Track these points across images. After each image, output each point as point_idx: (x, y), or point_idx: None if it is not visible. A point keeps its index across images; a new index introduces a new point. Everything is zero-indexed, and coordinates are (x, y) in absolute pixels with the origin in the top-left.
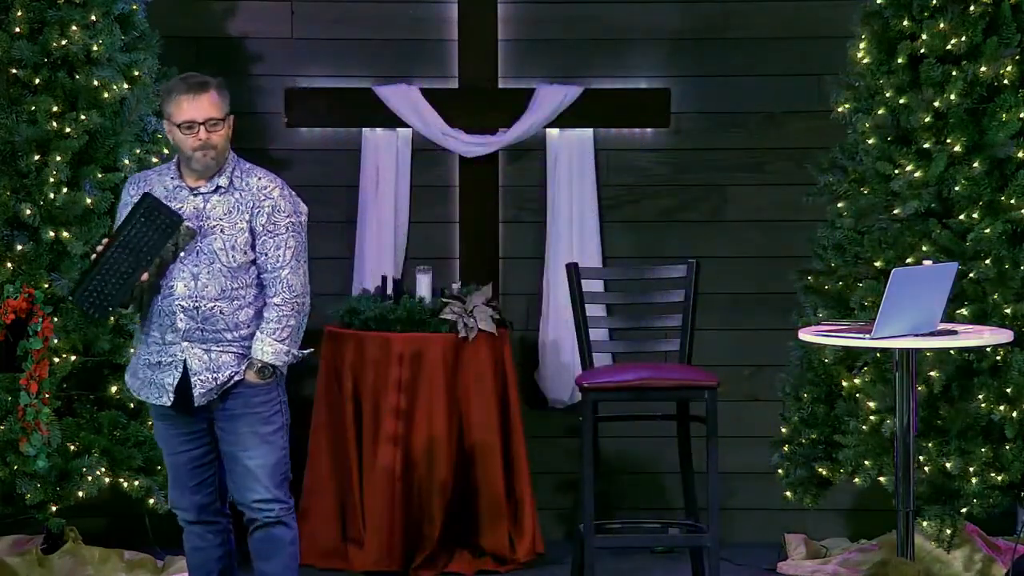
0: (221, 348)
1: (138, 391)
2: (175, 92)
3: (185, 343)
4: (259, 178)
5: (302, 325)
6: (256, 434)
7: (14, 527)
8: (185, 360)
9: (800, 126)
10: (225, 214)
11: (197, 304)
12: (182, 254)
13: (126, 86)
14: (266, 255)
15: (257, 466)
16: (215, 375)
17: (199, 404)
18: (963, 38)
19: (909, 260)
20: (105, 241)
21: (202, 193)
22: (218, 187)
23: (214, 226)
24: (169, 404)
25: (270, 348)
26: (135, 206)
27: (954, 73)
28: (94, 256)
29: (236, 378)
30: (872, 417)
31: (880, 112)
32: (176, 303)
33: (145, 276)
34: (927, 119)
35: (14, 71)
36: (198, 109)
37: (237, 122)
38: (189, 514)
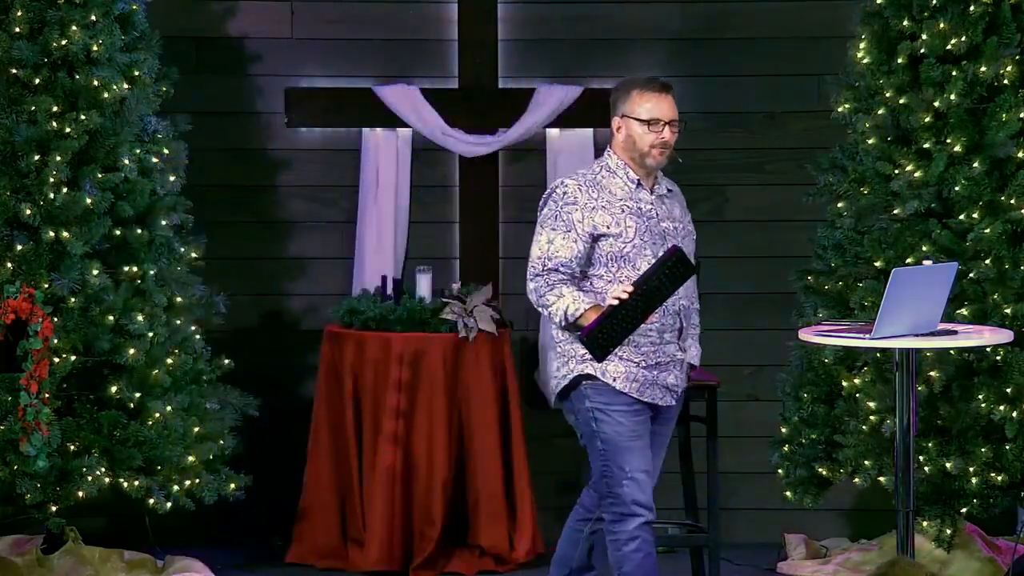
0: (685, 345)
1: (639, 392)
2: (641, 88)
3: (678, 343)
4: (669, 180)
5: None
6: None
7: (14, 527)
8: (681, 360)
9: (800, 126)
10: (682, 215)
11: (689, 303)
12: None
13: (126, 86)
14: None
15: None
16: (685, 370)
17: (673, 403)
18: (963, 38)
19: (909, 260)
20: (629, 290)
21: (660, 195)
22: (668, 189)
23: (682, 227)
24: (673, 404)
25: (698, 351)
26: (663, 259)
27: (954, 73)
28: (615, 302)
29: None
30: (872, 417)
31: (880, 112)
32: (680, 303)
33: (653, 318)
34: (927, 119)
35: (14, 71)
36: (666, 108)
37: (237, 122)
38: (651, 513)
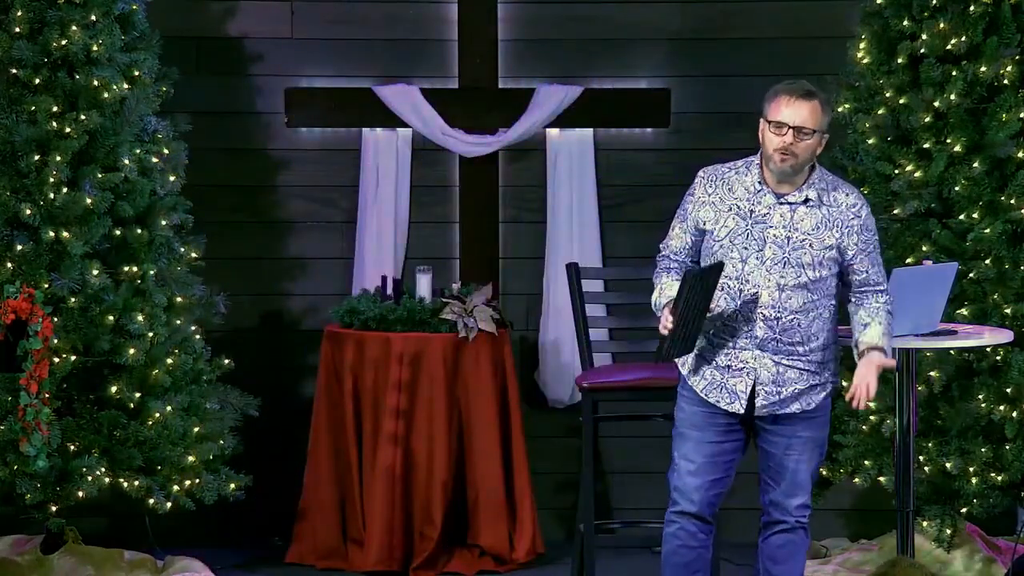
0: (790, 361)
1: (703, 391)
2: (780, 92)
3: (757, 351)
4: (847, 195)
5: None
6: (811, 439)
7: (14, 527)
8: (756, 369)
9: None
10: (813, 228)
11: (779, 315)
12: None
13: (126, 86)
14: (866, 273)
15: (805, 471)
16: (780, 388)
17: (758, 415)
18: (963, 38)
19: (909, 260)
20: (669, 325)
21: (790, 203)
22: (807, 199)
23: (803, 239)
24: (742, 412)
25: (887, 340)
26: (682, 283)
27: (954, 73)
28: (664, 332)
29: (801, 393)
30: (872, 417)
31: (880, 112)
32: (759, 311)
33: (716, 308)
34: (927, 119)
35: (14, 71)
36: (793, 113)
37: (237, 122)
38: (691, 504)
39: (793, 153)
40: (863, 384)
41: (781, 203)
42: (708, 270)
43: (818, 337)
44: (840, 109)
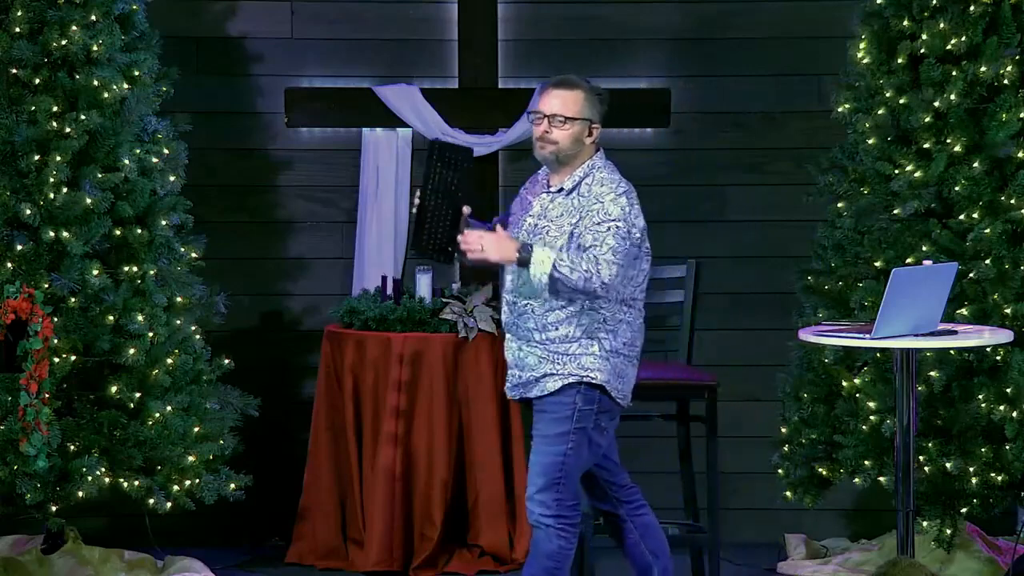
0: (529, 348)
1: None
2: (543, 85)
3: (508, 335)
4: (601, 186)
5: (576, 288)
6: (539, 433)
7: (14, 527)
8: (506, 352)
9: (800, 126)
10: (559, 216)
11: (515, 299)
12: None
13: (126, 86)
14: (581, 242)
15: (532, 463)
16: (520, 372)
17: (509, 397)
18: (963, 38)
19: (909, 260)
20: (419, 194)
21: (551, 192)
22: (562, 188)
23: (545, 227)
24: (514, 398)
25: (543, 253)
26: (428, 154)
27: (954, 73)
28: (416, 210)
29: (538, 380)
30: (872, 417)
31: (880, 112)
32: (505, 296)
33: (467, 210)
34: (927, 119)
35: (14, 71)
36: (547, 102)
37: (237, 122)
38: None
39: (551, 140)
40: (476, 239)
41: (545, 193)
42: (457, 148)
43: (557, 328)
44: (840, 109)
